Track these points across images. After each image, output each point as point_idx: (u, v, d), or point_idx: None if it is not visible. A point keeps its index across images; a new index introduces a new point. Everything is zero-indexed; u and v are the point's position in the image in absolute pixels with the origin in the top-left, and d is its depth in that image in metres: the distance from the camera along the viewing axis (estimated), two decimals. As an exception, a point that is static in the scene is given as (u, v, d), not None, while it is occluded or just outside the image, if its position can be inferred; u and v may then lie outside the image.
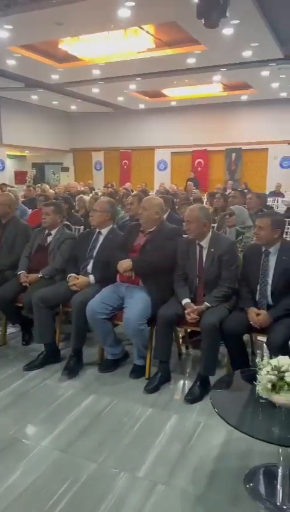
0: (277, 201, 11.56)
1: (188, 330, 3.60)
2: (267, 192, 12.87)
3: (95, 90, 12.89)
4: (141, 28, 8.21)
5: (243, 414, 2.03)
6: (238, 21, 7.03)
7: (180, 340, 3.61)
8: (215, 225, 4.79)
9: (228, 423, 1.87)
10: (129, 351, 3.35)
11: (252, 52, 8.95)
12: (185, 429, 2.50)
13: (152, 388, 2.92)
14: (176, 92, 13.74)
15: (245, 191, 8.20)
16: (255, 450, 2.27)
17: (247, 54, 9.06)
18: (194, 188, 11.89)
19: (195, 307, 2.97)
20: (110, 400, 2.82)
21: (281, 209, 9.15)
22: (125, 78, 11.38)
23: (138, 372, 3.12)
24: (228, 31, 7.53)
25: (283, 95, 13.60)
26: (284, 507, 1.95)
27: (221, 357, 3.20)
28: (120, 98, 14.30)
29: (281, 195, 12.61)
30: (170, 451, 2.31)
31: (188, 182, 13.23)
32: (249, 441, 2.12)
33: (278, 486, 2.00)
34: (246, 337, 3.30)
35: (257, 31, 7.64)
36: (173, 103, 15.19)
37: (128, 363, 3.27)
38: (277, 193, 12.82)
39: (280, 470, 1.99)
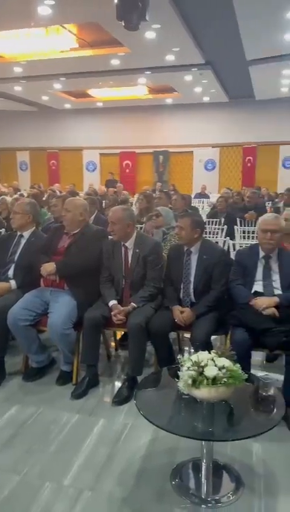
0: (203, 202, 12.00)
1: (122, 333, 3.60)
2: (193, 194, 13.32)
3: (18, 88, 12.47)
4: (63, 27, 8.07)
5: (167, 412, 2.06)
6: (160, 25, 7.18)
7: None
8: (142, 226, 4.83)
9: (152, 423, 1.88)
10: (56, 357, 3.26)
11: (174, 56, 9.19)
12: (112, 432, 2.49)
13: (79, 393, 2.86)
14: (102, 93, 13.73)
15: (171, 192, 8.40)
16: (181, 446, 2.31)
17: (170, 58, 9.29)
18: (116, 190, 11.89)
19: (121, 308, 2.97)
20: (36, 409, 2.72)
21: (206, 209, 9.49)
22: (49, 77, 11.14)
23: (64, 378, 3.04)
24: (150, 35, 7.66)
25: (206, 99, 14.13)
26: (208, 499, 2.00)
27: (149, 357, 3.23)
28: (45, 97, 13.97)
29: (207, 196, 13.11)
30: (97, 456, 2.27)
31: (118, 184, 13.26)
32: (175, 438, 2.15)
33: (203, 479, 2.05)
34: (174, 335, 3.39)
35: (178, 36, 7.86)
36: (100, 104, 15.16)
37: (54, 369, 3.17)
38: (202, 194, 13.31)
39: (203, 464, 2.04)
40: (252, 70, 10.10)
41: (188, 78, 11.08)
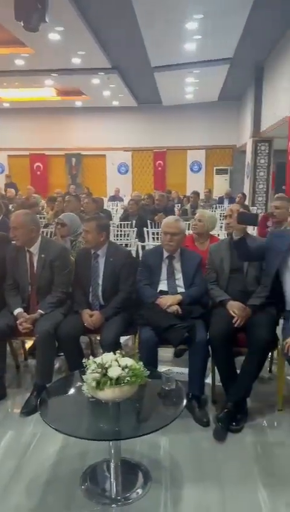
0: (117, 205, 12.12)
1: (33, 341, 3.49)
2: (107, 197, 13.40)
3: None
4: None
5: (73, 417, 2.05)
6: (63, 28, 7.12)
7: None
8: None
9: (57, 430, 1.86)
10: None
11: (80, 59, 9.17)
12: (20, 444, 2.41)
13: (-15, 407, 2.74)
14: (8, 94, 13.21)
15: (83, 195, 8.37)
16: (92, 449, 2.32)
17: (76, 61, 9.25)
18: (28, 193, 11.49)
19: (28, 316, 2.90)
20: None
21: (120, 212, 9.60)
22: None
23: None
24: (54, 37, 7.57)
25: (115, 103, 14.30)
26: (118, 498, 2.03)
27: (62, 363, 3.19)
28: None
29: (120, 199, 13.26)
30: (4, 469, 2.19)
31: (28, 187, 12.82)
32: (86, 442, 2.16)
33: (112, 479, 2.07)
34: (87, 339, 3.38)
35: (83, 39, 7.86)
36: (6, 105, 14.57)
37: None
38: (116, 197, 13.43)
39: (112, 464, 2.06)
40: (157, 76, 10.44)
41: (96, 81, 11.12)
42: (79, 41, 7.99)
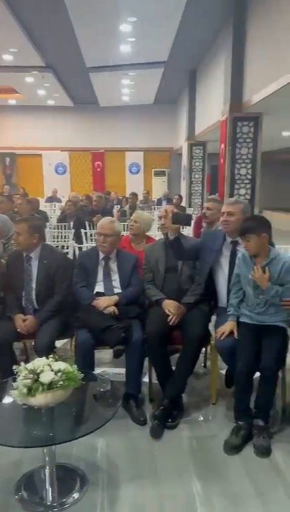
0: (55, 206, 11.88)
1: None
2: (45, 197, 13.09)
3: None
4: None
5: (5, 426, 1.98)
6: (-8, 23, 6.87)
7: None
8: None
9: (-13, 439, 1.79)
10: None
11: (12, 56, 8.88)
12: None
13: None
14: None
15: (17, 196, 8.09)
16: (26, 457, 2.25)
17: (7, 58, 8.95)
18: None
19: None
20: None
21: (58, 213, 9.41)
22: None
23: None
24: (-18, 31, 7.27)
25: (51, 102, 14.02)
26: (54, 504, 1.99)
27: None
28: None
29: (58, 200, 13.02)
30: None
31: None
32: (20, 450, 2.10)
33: (47, 486, 2.03)
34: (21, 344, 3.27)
35: (14, 36, 7.63)
36: None
37: None
38: (54, 198, 13.16)
39: (46, 470, 2.02)
40: (93, 77, 10.38)
41: (30, 80, 10.84)
42: (10, 38, 7.75)
